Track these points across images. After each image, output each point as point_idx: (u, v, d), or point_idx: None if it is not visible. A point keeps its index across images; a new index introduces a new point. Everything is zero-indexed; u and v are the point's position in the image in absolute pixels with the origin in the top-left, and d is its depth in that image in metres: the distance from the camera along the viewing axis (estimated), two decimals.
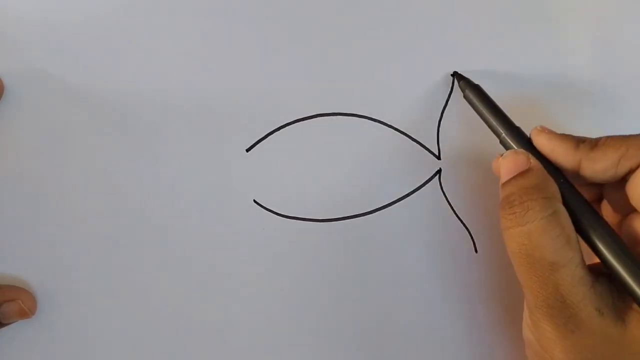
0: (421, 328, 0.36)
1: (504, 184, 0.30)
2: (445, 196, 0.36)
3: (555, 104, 0.37)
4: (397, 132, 0.36)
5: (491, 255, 0.36)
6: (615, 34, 0.38)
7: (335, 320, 0.35)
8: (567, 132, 0.31)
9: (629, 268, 0.28)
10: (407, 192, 0.36)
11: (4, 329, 0.32)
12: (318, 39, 0.35)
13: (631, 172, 0.29)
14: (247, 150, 0.35)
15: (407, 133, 0.36)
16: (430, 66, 0.36)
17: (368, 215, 0.36)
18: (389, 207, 0.36)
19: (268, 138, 0.35)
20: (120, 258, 0.34)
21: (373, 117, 0.36)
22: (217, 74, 0.34)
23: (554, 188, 0.29)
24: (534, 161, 0.30)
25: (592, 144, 0.30)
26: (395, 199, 0.36)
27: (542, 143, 0.31)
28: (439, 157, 0.36)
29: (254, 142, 0.35)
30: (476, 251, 0.37)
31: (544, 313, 0.28)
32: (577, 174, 0.30)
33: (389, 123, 0.36)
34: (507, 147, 0.32)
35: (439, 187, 0.36)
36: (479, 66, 0.37)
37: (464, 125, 0.36)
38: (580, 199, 0.30)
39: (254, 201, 0.35)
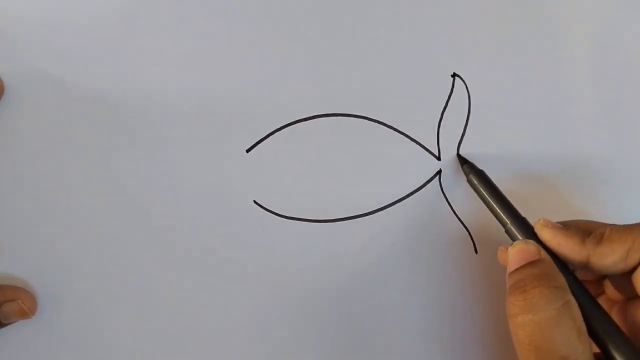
0: (421, 327, 0.36)
1: (513, 272, 0.30)
2: (445, 196, 0.36)
3: (555, 103, 0.37)
4: (397, 132, 0.36)
5: (491, 255, 0.36)
6: (615, 38, 0.38)
7: (336, 319, 0.35)
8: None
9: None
10: (407, 193, 0.36)
11: (4, 329, 0.32)
12: (318, 39, 0.35)
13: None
14: (247, 151, 0.35)
15: (407, 133, 0.36)
16: (430, 66, 0.36)
17: (368, 216, 0.36)
18: (389, 208, 0.36)
19: (268, 138, 0.35)
20: (120, 258, 0.34)
21: (373, 118, 0.36)
22: (217, 74, 0.34)
23: (563, 280, 0.29)
24: (544, 253, 0.30)
25: (598, 238, 0.30)
26: (396, 199, 0.36)
27: (547, 238, 0.31)
28: (439, 158, 0.36)
29: (254, 142, 0.35)
30: (476, 251, 0.37)
31: None
32: (585, 267, 0.30)
33: (389, 123, 0.36)
34: (512, 237, 0.32)
35: (439, 187, 0.36)
36: (479, 66, 0.37)
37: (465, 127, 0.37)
38: (585, 291, 0.30)
39: (254, 201, 0.35)
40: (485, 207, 0.34)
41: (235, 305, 0.35)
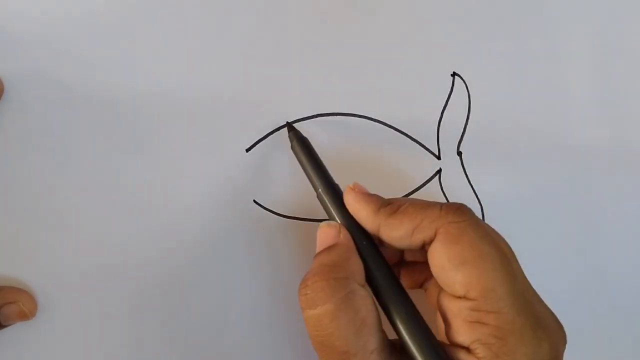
0: None
1: (313, 258, 0.29)
2: (445, 196, 0.36)
3: (555, 103, 0.38)
4: (397, 132, 0.36)
5: None
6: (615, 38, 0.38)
7: None
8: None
9: (423, 354, 0.27)
10: (407, 192, 0.36)
11: (4, 330, 0.32)
12: (318, 39, 0.35)
13: (426, 244, 0.28)
14: (247, 150, 0.35)
15: (407, 133, 0.36)
16: (430, 66, 0.36)
17: None
18: None
19: (268, 138, 0.35)
20: (120, 258, 0.33)
21: (373, 117, 0.36)
22: (217, 74, 0.34)
23: (354, 266, 0.28)
24: (343, 236, 0.29)
25: (393, 209, 0.29)
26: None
27: (349, 202, 0.30)
28: (439, 157, 0.37)
29: (254, 142, 0.35)
30: None
31: None
32: (378, 239, 0.30)
33: (389, 123, 0.36)
34: (323, 204, 0.32)
35: (439, 186, 0.36)
36: (479, 66, 0.37)
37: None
38: (383, 271, 0.29)
39: (254, 201, 0.35)
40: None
41: (236, 304, 0.35)
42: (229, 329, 0.34)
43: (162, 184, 0.34)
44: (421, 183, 0.36)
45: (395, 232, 0.29)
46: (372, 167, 0.36)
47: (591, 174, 0.38)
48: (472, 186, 0.37)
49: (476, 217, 0.29)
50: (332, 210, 0.31)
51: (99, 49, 0.33)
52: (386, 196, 0.35)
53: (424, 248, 0.29)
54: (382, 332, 0.28)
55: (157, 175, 0.34)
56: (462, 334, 0.27)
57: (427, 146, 0.36)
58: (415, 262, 0.33)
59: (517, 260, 0.29)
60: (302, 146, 0.33)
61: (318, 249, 0.30)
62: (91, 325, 0.33)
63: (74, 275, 0.33)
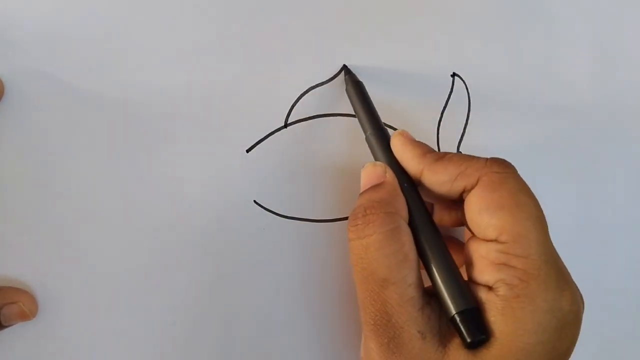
0: None
1: (359, 195, 0.31)
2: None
3: (555, 103, 0.38)
4: None
5: None
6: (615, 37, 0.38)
7: (336, 319, 0.35)
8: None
9: (449, 289, 0.28)
10: None
11: (4, 331, 0.32)
12: (318, 39, 0.35)
13: (466, 191, 0.29)
14: (247, 151, 0.35)
15: None
16: (429, 66, 0.36)
17: None
18: None
19: (268, 138, 0.35)
20: (120, 258, 0.33)
21: None
22: (217, 74, 0.34)
23: (400, 205, 0.30)
24: (389, 175, 0.30)
25: (439, 156, 0.30)
26: None
27: (395, 145, 0.31)
28: None
29: (254, 142, 0.35)
30: None
31: (370, 330, 0.28)
32: (419, 183, 0.31)
33: (388, 123, 0.36)
34: (370, 145, 0.33)
35: None
36: (479, 66, 0.37)
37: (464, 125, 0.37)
38: (423, 213, 0.30)
39: (254, 201, 0.35)
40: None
41: (236, 304, 0.35)
42: (228, 328, 0.34)
43: (162, 184, 0.34)
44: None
45: (438, 177, 0.30)
46: None
47: (591, 174, 0.38)
48: None
49: (517, 171, 0.29)
50: (378, 152, 0.32)
51: (98, 49, 0.33)
52: None
53: (461, 196, 0.30)
54: (420, 271, 0.29)
55: (157, 175, 0.34)
56: (487, 274, 0.28)
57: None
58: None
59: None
60: (357, 89, 0.34)
61: (363, 187, 0.31)
62: (91, 325, 0.33)
63: (74, 275, 0.33)
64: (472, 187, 0.29)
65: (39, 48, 0.33)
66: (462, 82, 0.36)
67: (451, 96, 0.36)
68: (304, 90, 0.35)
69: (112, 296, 0.33)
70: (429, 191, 0.31)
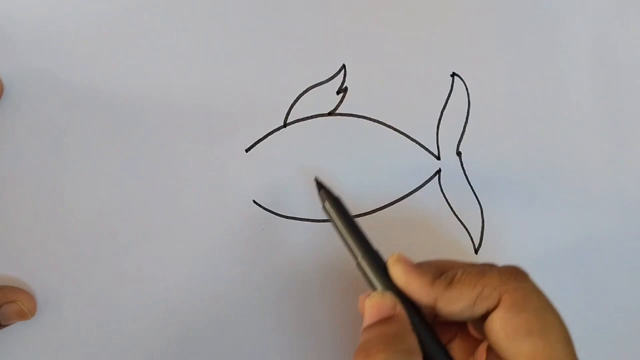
0: None
1: (365, 329, 0.28)
2: (445, 196, 0.36)
3: (555, 103, 0.38)
4: (396, 132, 0.36)
5: (491, 255, 0.37)
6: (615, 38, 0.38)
7: (336, 319, 0.35)
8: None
9: None
10: (406, 192, 0.36)
11: (4, 330, 0.32)
12: (318, 39, 0.35)
13: (488, 312, 0.28)
14: (247, 150, 0.35)
15: (407, 133, 0.36)
16: (430, 66, 0.36)
17: (368, 215, 0.36)
18: (389, 207, 0.36)
19: (268, 138, 0.35)
20: (120, 258, 0.33)
21: (373, 118, 0.36)
22: (217, 74, 0.34)
23: (414, 341, 0.27)
24: (399, 308, 0.28)
25: (448, 281, 0.28)
26: (395, 198, 0.36)
27: (397, 275, 0.29)
28: (438, 157, 0.37)
29: (254, 142, 0.35)
30: (476, 251, 0.37)
31: None
32: (433, 311, 0.29)
33: (388, 123, 0.36)
34: (363, 272, 0.30)
35: (439, 186, 0.36)
36: (479, 66, 0.37)
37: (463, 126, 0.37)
38: (439, 348, 0.28)
39: (254, 201, 0.35)
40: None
41: (236, 304, 0.35)
42: (228, 328, 0.34)
43: (162, 184, 0.34)
44: (421, 183, 0.36)
45: (456, 305, 0.28)
46: (372, 167, 0.36)
47: (591, 174, 0.38)
48: (471, 186, 0.37)
49: (534, 281, 0.28)
50: (376, 281, 0.29)
51: (98, 50, 0.33)
52: (385, 196, 0.36)
53: (481, 316, 0.28)
54: None
55: (157, 175, 0.34)
56: None
57: (426, 146, 0.36)
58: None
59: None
60: (336, 208, 0.31)
61: (370, 320, 0.28)
62: (90, 325, 0.33)
63: (74, 275, 0.33)
64: (494, 307, 0.27)
65: (39, 48, 0.33)
66: (462, 82, 0.36)
67: (451, 96, 0.36)
68: (303, 90, 0.35)
69: (112, 296, 0.33)
70: (444, 317, 0.29)
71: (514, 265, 0.28)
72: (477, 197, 0.37)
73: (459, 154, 0.37)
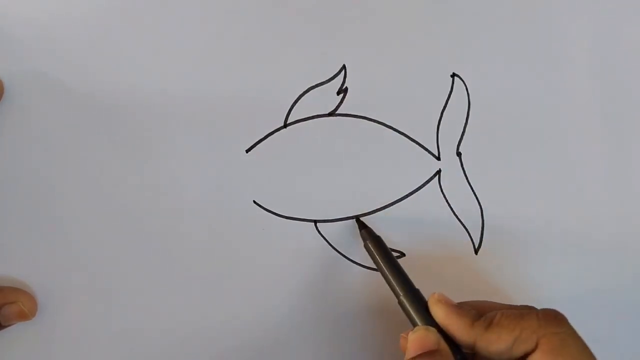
0: None
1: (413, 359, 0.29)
2: (445, 196, 0.36)
3: (555, 103, 0.38)
4: (396, 132, 0.36)
5: (491, 255, 0.37)
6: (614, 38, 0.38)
7: (336, 318, 0.35)
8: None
9: None
10: (406, 192, 0.36)
11: (4, 331, 0.32)
12: (318, 39, 0.35)
13: (526, 355, 0.28)
14: (247, 151, 0.35)
15: (407, 133, 0.36)
16: (430, 66, 0.36)
17: (368, 216, 0.36)
18: (389, 207, 0.36)
19: (268, 138, 0.35)
20: (120, 259, 0.33)
21: (373, 118, 0.36)
22: (217, 75, 0.34)
23: None
24: (443, 344, 0.29)
25: (488, 322, 0.29)
26: (395, 199, 0.36)
27: (438, 315, 0.30)
28: (438, 158, 0.37)
29: (254, 142, 0.35)
30: (476, 252, 0.37)
31: None
32: (472, 351, 0.30)
33: (388, 123, 0.36)
34: (404, 309, 0.31)
35: (439, 187, 0.36)
36: (479, 66, 0.37)
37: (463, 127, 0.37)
38: None
39: (254, 201, 0.35)
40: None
41: (235, 304, 0.35)
42: (228, 328, 0.34)
43: (162, 184, 0.34)
44: (421, 183, 0.36)
45: (495, 346, 0.29)
46: (372, 167, 0.36)
47: (591, 174, 0.38)
48: (471, 187, 0.37)
49: (572, 327, 0.29)
50: (418, 318, 0.31)
51: (98, 50, 0.33)
52: (385, 196, 0.36)
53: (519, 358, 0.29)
54: None
55: (157, 175, 0.34)
56: None
57: (426, 147, 0.36)
58: None
59: None
60: (378, 247, 0.33)
61: (414, 352, 0.29)
62: (91, 325, 0.33)
63: (74, 275, 0.33)
64: (532, 350, 0.28)
65: (39, 48, 0.33)
66: (462, 82, 0.36)
67: (451, 96, 0.36)
68: (304, 90, 0.35)
69: (112, 296, 0.33)
70: (483, 357, 0.30)
71: (552, 309, 0.29)
72: (477, 197, 0.37)
73: (459, 154, 0.37)
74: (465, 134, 0.37)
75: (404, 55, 0.36)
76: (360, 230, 0.35)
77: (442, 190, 0.36)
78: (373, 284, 0.36)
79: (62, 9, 0.33)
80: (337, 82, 0.35)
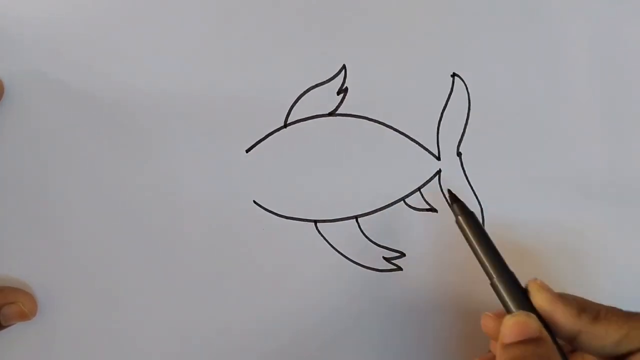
0: (421, 327, 0.36)
1: (511, 345, 0.28)
2: (445, 197, 0.36)
3: (555, 103, 0.38)
4: (397, 132, 0.36)
5: None
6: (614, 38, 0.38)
7: (336, 319, 0.35)
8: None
9: None
10: (407, 192, 0.36)
11: (4, 331, 0.32)
12: (318, 39, 0.35)
13: (631, 353, 0.28)
14: (247, 151, 0.35)
15: (407, 133, 0.36)
16: (430, 66, 0.36)
17: (368, 216, 0.36)
18: (389, 207, 0.36)
19: (268, 138, 0.35)
20: (120, 259, 0.33)
21: (373, 118, 0.36)
22: (217, 75, 0.34)
23: None
24: (544, 333, 0.28)
25: (594, 315, 0.28)
26: (395, 199, 0.36)
27: (541, 302, 0.29)
28: (438, 158, 0.37)
29: (254, 142, 0.35)
30: None
31: None
32: (571, 341, 0.29)
33: (388, 123, 0.36)
34: (497, 292, 0.30)
35: (439, 187, 0.36)
36: (479, 66, 0.37)
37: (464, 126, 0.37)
38: None
39: (254, 201, 0.35)
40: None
41: (235, 305, 0.35)
42: (228, 328, 0.35)
43: (162, 184, 0.34)
44: (421, 183, 0.36)
45: (600, 341, 0.28)
46: (372, 167, 0.36)
47: (591, 174, 0.38)
48: (471, 187, 0.37)
49: None
50: (513, 304, 0.29)
51: (98, 50, 0.33)
52: (386, 196, 0.36)
53: (622, 355, 0.28)
54: None
55: (158, 175, 0.34)
56: None
57: (427, 147, 0.36)
58: None
59: None
60: (472, 223, 0.31)
61: (513, 337, 0.28)
62: (91, 325, 0.33)
63: (74, 275, 0.33)
64: (638, 350, 0.28)
65: (39, 48, 0.33)
66: (462, 82, 0.36)
67: (451, 96, 0.36)
68: (304, 90, 0.35)
69: (112, 296, 0.33)
70: (584, 349, 0.29)
71: None
72: (477, 197, 0.37)
73: (459, 154, 0.37)
74: (466, 134, 0.37)
75: (404, 55, 0.36)
76: (451, 205, 0.32)
77: (442, 191, 0.36)
78: (373, 284, 0.36)
79: (62, 9, 0.33)
80: (337, 82, 0.35)
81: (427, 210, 0.36)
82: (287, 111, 0.35)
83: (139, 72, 0.34)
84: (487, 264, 0.30)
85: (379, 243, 0.36)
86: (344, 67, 0.35)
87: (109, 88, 0.33)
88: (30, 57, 0.33)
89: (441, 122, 0.36)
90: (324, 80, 0.35)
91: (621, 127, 0.38)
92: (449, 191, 0.33)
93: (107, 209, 0.33)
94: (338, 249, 0.35)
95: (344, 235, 0.36)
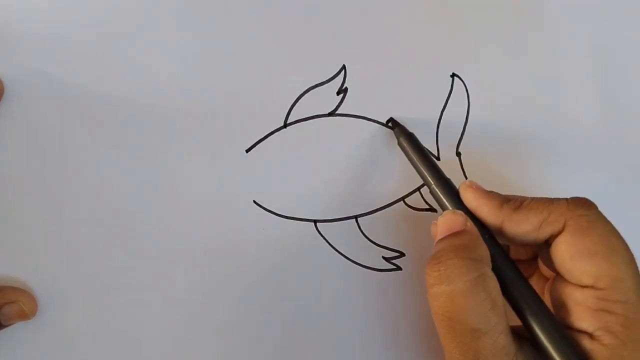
0: (421, 327, 0.36)
1: (438, 241, 0.30)
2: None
3: (555, 103, 0.38)
4: None
5: None
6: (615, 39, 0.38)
7: (336, 319, 0.35)
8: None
9: (555, 342, 0.27)
10: (406, 192, 0.36)
11: (4, 331, 0.32)
12: (318, 39, 0.35)
13: (553, 237, 0.29)
14: (247, 151, 0.35)
15: None
16: (430, 66, 0.36)
17: (368, 216, 0.36)
18: (389, 207, 0.36)
19: (268, 138, 0.35)
20: (120, 259, 0.33)
21: (372, 118, 0.36)
22: (217, 75, 0.34)
23: (484, 252, 0.29)
24: (470, 224, 0.30)
25: (516, 205, 0.30)
26: (395, 199, 0.36)
27: (468, 199, 0.31)
28: (438, 157, 0.37)
29: (254, 142, 0.35)
30: None
31: None
32: (500, 233, 0.30)
33: (389, 124, 0.36)
34: (436, 198, 0.32)
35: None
36: (479, 66, 0.37)
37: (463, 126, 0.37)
38: (508, 262, 0.29)
39: (254, 201, 0.35)
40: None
41: (235, 305, 0.35)
42: (228, 328, 0.35)
43: (162, 184, 0.34)
44: (421, 183, 0.36)
45: (521, 227, 0.29)
46: (372, 167, 0.36)
47: (591, 173, 0.38)
48: None
49: (600, 211, 0.29)
50: (449, 204, 0.32)
51: (98, 50, 0.33)
52: (385, 196, 0.36)
53: (547, 242, 0.29)
54: (507, 317, 0.28)
55: (157, 175, 0.34)
56: (586, 321, 0.28)
57: (426, 146, 0.36)
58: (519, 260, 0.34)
59: None
60: (411, 142, 0.34)
61: (442, 234, 0.30)
62: (91, 325, 0.33)
63: (74, 275, 0.33)
64: (559, 233, 0.29)
65: (39, 48, 0.33)
66: (462, 82, 0.36)
67: (451, 96, 0.36)
68: (304, 90, 0.35)
69: (112, 296, 0.33)
70: (510, 239, 0.30)
71: (583, 197, 0.30)
72: None
73: (458, 154, 0.37)
74: (465, 134, 0.37)
75: (403, 55, 0.36)
76: (393, 129, 0.35)
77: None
78: (373, 284, 0.36)
79: (62, 8, 0.33)
80: (337, 82, 0.35)
81: (427, 210, 0.36)
82: (287, 111, 0.35)
83: (139, 72, 0.34)
84: (425, 174, 0.33)
85: (378, 243, 0.36)
86: (344, 67, 0.35)
87: (108, 88, 0.33)
88: (30, 57, 0.33)
89: (441, 122, 0.36)
90: (324, 80, 0.35)
91: (621, 126, 0.38)
92: (391, 119, 0.36)
93: (107, 208, 0.33)
94: (338, 249, 0.36)
95: (344, 235, 0.36)
